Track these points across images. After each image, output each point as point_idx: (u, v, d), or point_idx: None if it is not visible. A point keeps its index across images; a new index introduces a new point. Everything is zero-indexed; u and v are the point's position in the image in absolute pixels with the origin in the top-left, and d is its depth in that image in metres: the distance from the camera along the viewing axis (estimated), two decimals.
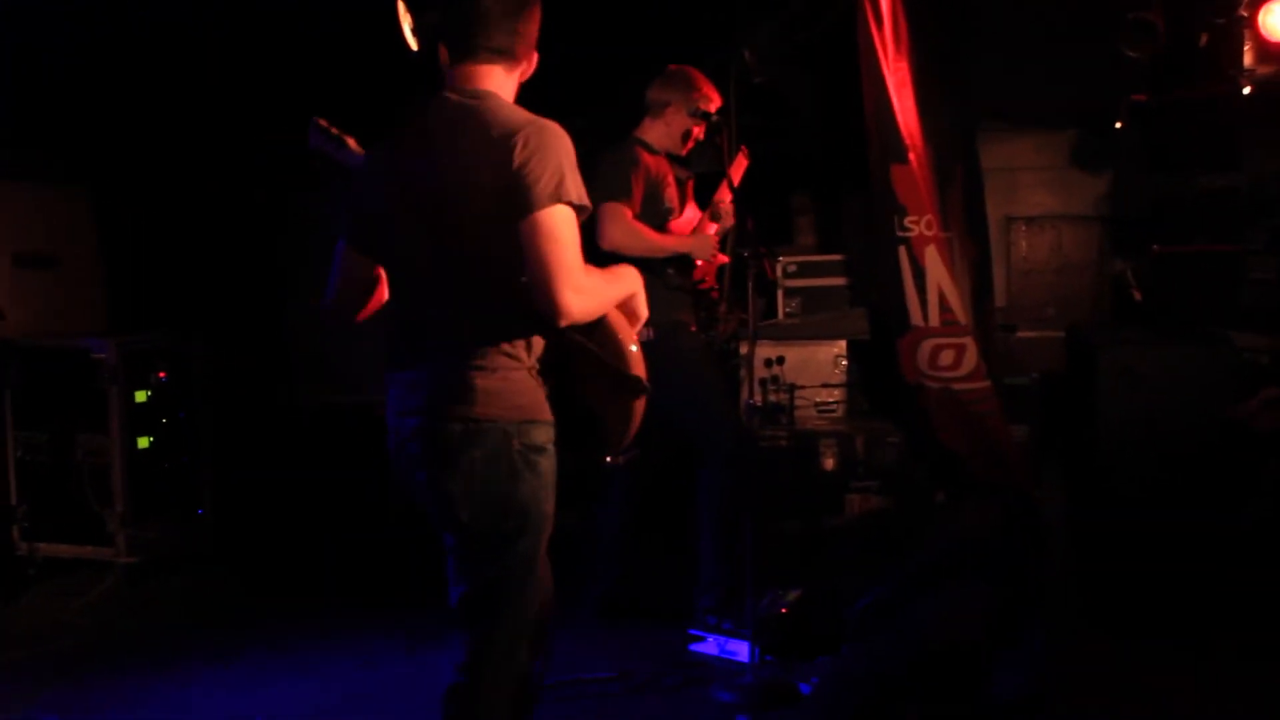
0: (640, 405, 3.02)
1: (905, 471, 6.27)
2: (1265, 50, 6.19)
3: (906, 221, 5.93)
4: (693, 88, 5.20)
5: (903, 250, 5.97)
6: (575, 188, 2.77)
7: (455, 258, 2.82)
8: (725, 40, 6.23)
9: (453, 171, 2.84)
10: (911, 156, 5.91)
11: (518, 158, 2.73)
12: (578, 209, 2.78)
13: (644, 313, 3.18)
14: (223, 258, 6.89)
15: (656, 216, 5.09)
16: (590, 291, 2.78)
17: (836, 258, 7.00)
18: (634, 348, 3.03)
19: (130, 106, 6.55)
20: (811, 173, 7.53)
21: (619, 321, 3.03)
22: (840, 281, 6.93)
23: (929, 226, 5.94)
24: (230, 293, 6.86)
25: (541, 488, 2.87)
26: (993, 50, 6.77)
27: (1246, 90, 6.35)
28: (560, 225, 2.72)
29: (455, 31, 2.96)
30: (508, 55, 2.98)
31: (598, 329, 2.97)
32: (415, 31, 5.35)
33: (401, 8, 5.33)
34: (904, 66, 5.97)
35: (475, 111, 2.87)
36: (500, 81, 2.98)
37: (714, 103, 5.23)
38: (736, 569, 4.87)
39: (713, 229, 5.34)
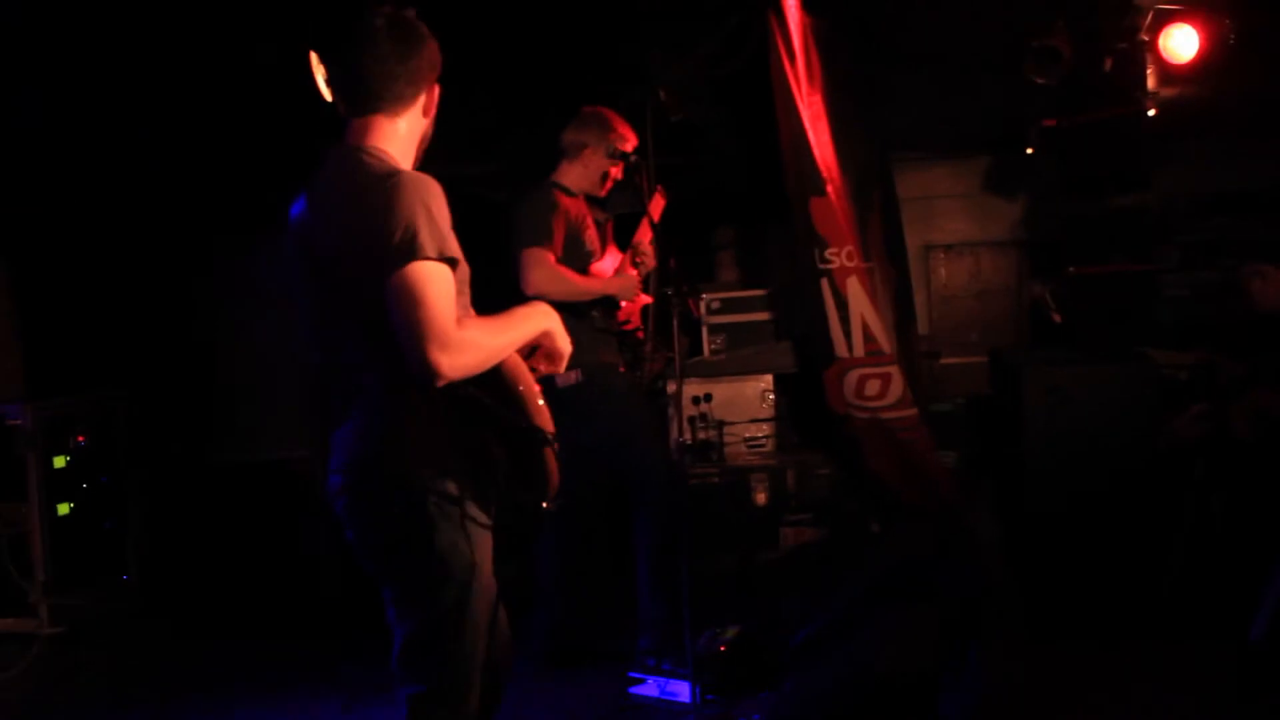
0: (550, 454, 2.93)
1: (838, 502, 6.29)
2: (1167, 72, 6.34)
3: (827, 253, 5.97)
4: (608, 129, 5.18)
5: (825, 282, 6.00)
6: (432, 240, 2.69)
7: (350, 314, 2.81)
8: (640, 79, 6.22)
9: (329, 230, 2.85)
10: (829, 189, 5.94)
11: (372, 216, 2.71)
12: (444, 260, 2.71)
13: (564, 349, 3.14)
14: (141, 314, 6.75)
15: (579, 259, 5.06)
16: (466, 346, 2.70)
17: (760, 292, 6.97)
18: (540, 401, 2.94)
19: (40, 168, 6.41)
20: (732, 207, 7.56)
21: (516, 370, 2.94)
22: (764, 316, 6.90)
23: (850, 257, 5.98)
24: (151, 349, 6.73)
25: (461, 537, 2.84)
26: (903, 81, 6.83)
27: (1151, 112, 6.48)
28: (417, 283, 2.65)
29: (338, 86, 2.97)
30: (389, 104, 2.94)
31: (495, 380, 2.88)
32: (329, 83, 5.36)
33: (314, 59, 5.34)
34: (818, 99, 6.03)
35: (348, 168, 2.88)
36: (386, 131, 2.95)
37: (630, 142, 5.22)
38: (675, 608, 4.84)
39: (634, 270, 5.32)
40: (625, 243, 5.45)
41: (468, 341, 2.70)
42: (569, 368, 3.27)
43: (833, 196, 5.95)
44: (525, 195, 5.07)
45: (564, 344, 3.13)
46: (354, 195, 2.80)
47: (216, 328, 6.62)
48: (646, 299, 5.42)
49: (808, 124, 5.94)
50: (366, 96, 2.92)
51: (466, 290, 2.96)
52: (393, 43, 2.90)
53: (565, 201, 5.09)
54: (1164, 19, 6.20)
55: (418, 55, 2.95)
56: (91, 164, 6.38)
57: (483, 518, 2.89)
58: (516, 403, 2.90)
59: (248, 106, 5.99)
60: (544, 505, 2.95)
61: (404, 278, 2.65)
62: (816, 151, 5.94)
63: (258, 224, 6.31)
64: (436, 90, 3.05)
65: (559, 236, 4.93)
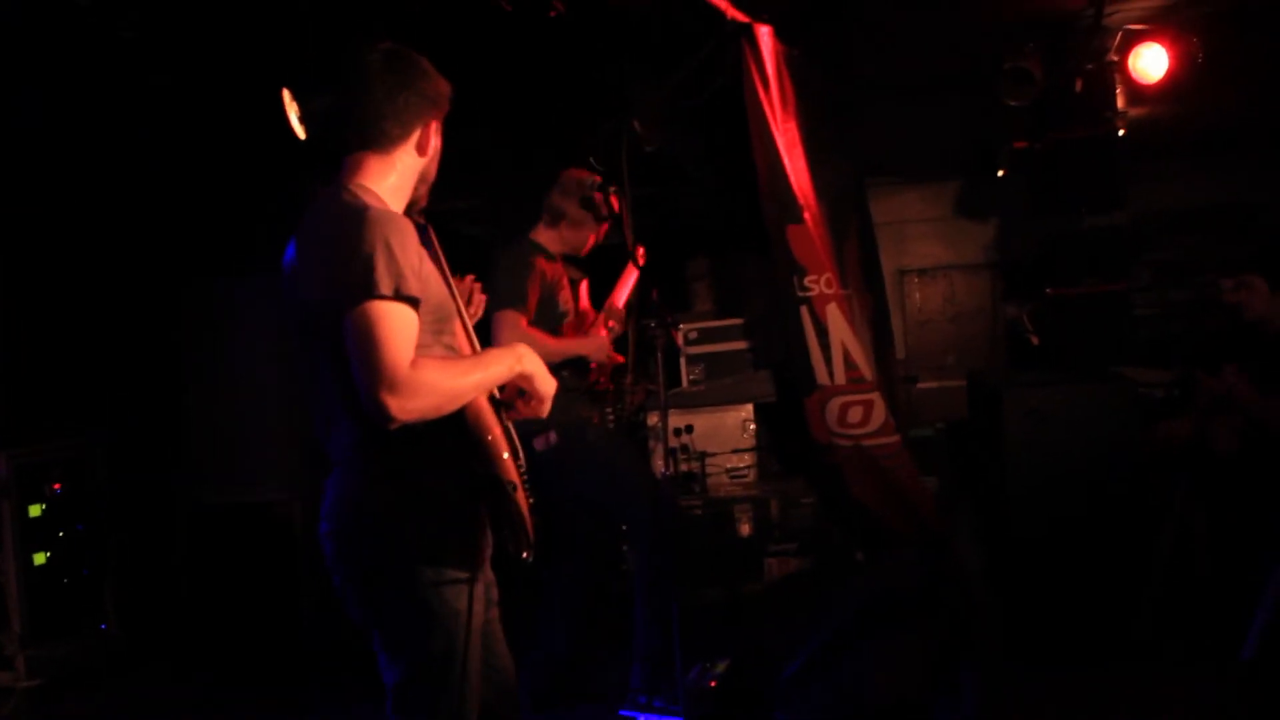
0: (519, 504, 2.86)
1: (822, 531, 6.25)
2: (1136, 92, 6.45)
3: (806, 281, 5.90)
4: (590, 201, 5.18)
5: (804, 310, 5.92)
6: (389, 277, 2.63)
7: (329, 358, 2.75)
8: (616, 109, 6.12)
9: (307, 273, 2.82)
10: (806, 216, 5.89)
11: (333, 254, 2.68)
12: (401, 298, 2.65)
13: (546, 392, 3.05)
14: (118, 357, 6.71)
15: (552, 320, 5.08)
16: (419, 388, 2.62)
17: (736, 321, 6.98)
18: (504, 450, 2.86)
19: (14, 212, 6.33)
20: (706, 237, 7.56)
21: (480, 416, 2.85)
22: (742, 345, 6.92)
23: (828, 285, 5.92)
24: (128, 392, 6.69)
25: (447, 584, 2.80)
26: (874, 105, 6.88)
27: (1121, 131, 6.59)
28: (369, 322, 2.60)
29: (333, 124, 2.98)
30: (377, 142, 2.90)
31: (458, 425, 2.81)
32: (302, 119, 5.33)
33: (287, 96, 5.31)
34: (792, 126, 6.00)
35: (328, 208, 2.83)
36: (376, 169, 2.91)
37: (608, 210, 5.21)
38: (668, 641, 4.83)
39: (605, 332, 5.30)
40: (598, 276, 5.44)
41: (421, 383, 2.63)
42: (542, 430, 3.23)
43: (810, 224, 5.90)
44: (503, 253, 5.08)
45: (545, 386, 3.04)
46: (326, 236, 2.77)
47: (193, 370, 6.55)
48: (618, 359, 5.35)
49: (783, 152, 5.88)
50: (354, 133, 2.90)
51: (449, 327, 2.96)
52: (382, 78, 2.87)
53: (542, 264, 5.08)
54: (1133, 39, 6.28)
55: (409, 91, 2.90)
56: (59, 211, 6.30)
57: (469, 564, 2.84)
58: (479, 450, 2.83)
59: (226, 145, 5.95)
60: (524, 556, 2.88)
61: (357, 316, 2.61)
62: (792, 179, 5.88)
63: (235, 264, 6.36)
64: (435, 127, 3.00)
65: (533, 300, 4.95)
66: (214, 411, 6.44)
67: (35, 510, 6.04)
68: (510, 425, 2.98)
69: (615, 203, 5.21)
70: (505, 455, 2.85)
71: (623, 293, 5.35)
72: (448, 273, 3.14)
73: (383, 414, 2.59)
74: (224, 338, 6.42)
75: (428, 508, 2.80)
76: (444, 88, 3.01)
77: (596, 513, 5.14)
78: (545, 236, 5.22)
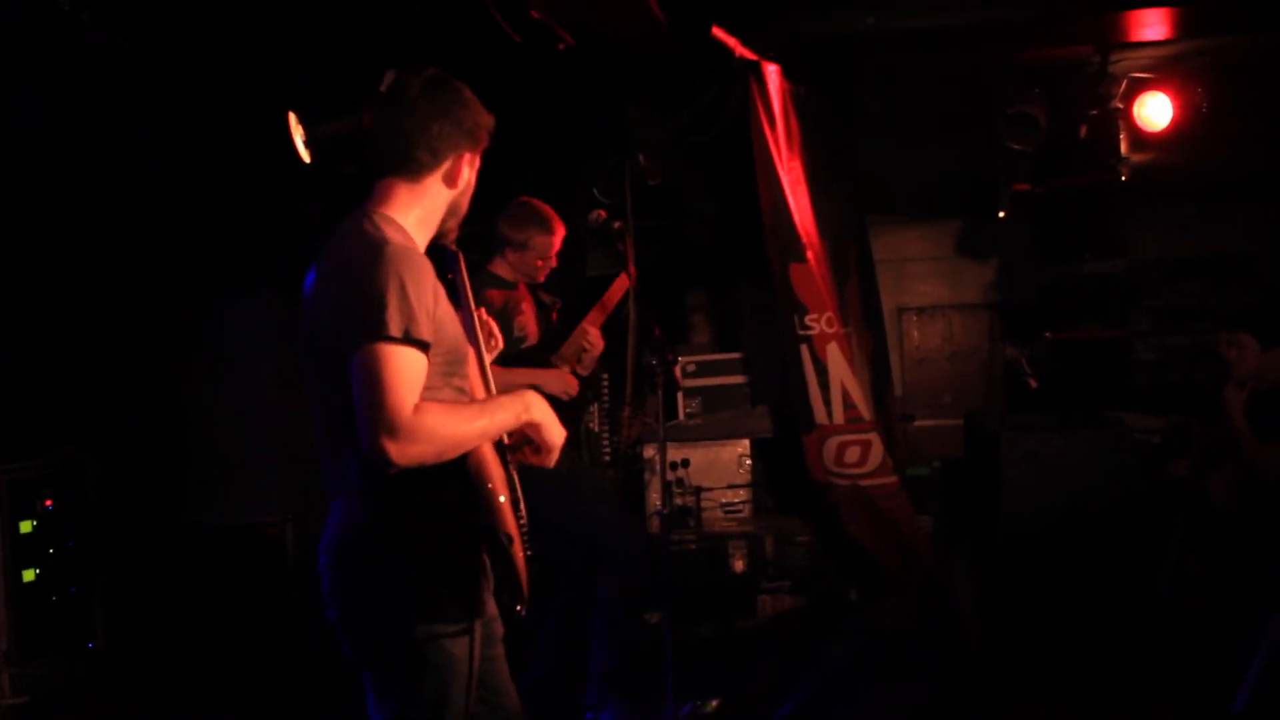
0: (515, 556, 2.78)
1: (817, 570, 6.22)
2: (1140, 139, 6.49)
3: (807, 319, 5.95)
4: (537, 229, 5.17)
5: (805, 349, 5.97)
6: (400, 318, 2.58)
7: (336, 394, 2.69)
8: (620, 143, 6.23)
9: (321, 302, 2.78)
10: (810, 255, 5.93)
11: (346, 289, 2.65)
12: (410, 342, 2.60)
13: (554, 441, 2.97)
14: (111, 374, 6.60)
15: (507, 345, 5.03)
16: (420, 434, 2.57)
17: (735, 355, 6.94)
18: (502, 498, 2.78)
19: (7, 224, 6.24)
20: (705, 270, 7.56)
21: (481, 465, 2.79)
22: (740, 379, 6.88)
23: (829, 324, 5.97)
24: (121, 410, 6.58)
25: (440, 632, 2.75)
26: (878, 144, 6.89)
27: (1124, 178, 6.62)
28: (376, 363, 2.56)
29: (367, 147, 2.92)
30: (404, 169, 2.86)
31: (459, 472, 2.76)
32: (308, 144, 5.30)
33: (293, 120, 5.26)
34: (797, 164, 6.05)
35: (348, 236, 2.78)
36: (403, 198, 2.86)
37: (557, 235, 5.19)
38: (626, 661, 4.92)
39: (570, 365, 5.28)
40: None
41: (422, 429, 2.57)
42: None
43: (813, 263, 5.94)
44: None
45: (554, 435, 2.96)
46: (342, 268, 2.72)
47: (187, 388, 6.47)
48: (574, 390, 5.25)
49: (788, 190, 5.93)
50: (385, 157, 2.86)
51: (461, 370, 2.90)
52: (418, 104, 2.83)
53: (491, 294, 5.04)
54: (1138, 87, 6.35)
55: (444, 120, 2.85)
56: (55, 225, 6.27)
57: (467, 610, 2.79)
58: (476, 499, 2.77)
59: (229, 161, 5.91)
60: (517, 610, 2.83)
61: (363, 356, 2.57)
62: (796, 217, 5.92)
63: (234, 282, 6.34)
64: (469, 159, 2.93)
65: None
66: (208, 430, 6.36)
67: (26, 526, 5.98)
68: (514, 474, 2.93)
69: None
70: (503, 503, 2.78)
71: (599, 316, 5.29)
72: (471, 304, 3.11)
73: (381, 458, 2.55)
74: (220, 356, 6.34)
75: (427, 552, 2.76)
76: (484, 120, 2.94)
77: (572, 541, 5.10)
78: (498, 266, 5.21)
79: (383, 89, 2.90)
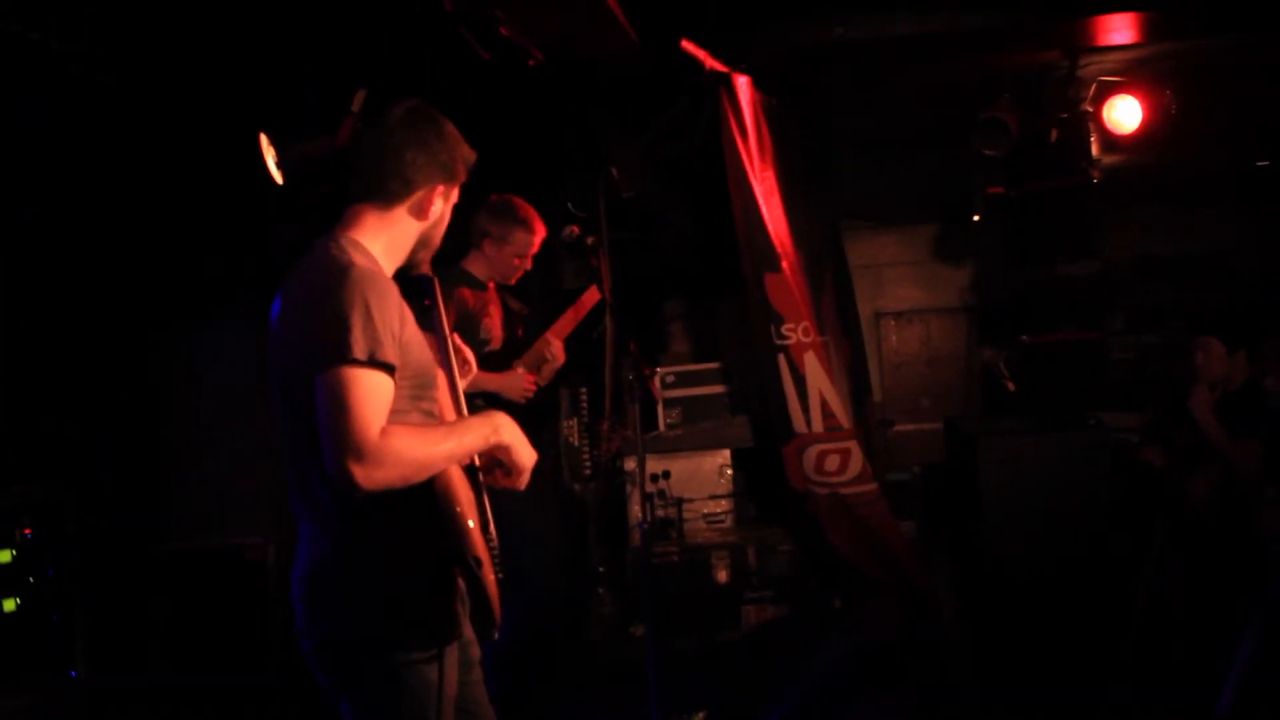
0: (487, 577, 2.74)
1: (800, 579, 6.21)
2: (1111, 141, 6.53)
3: (784, 329, 5.96)
4: (513, 223, 5.09)
5: (782, 358, 5.98)
6: (365, 341, 2.54)
7: (304, 421, 2.64)
8: (593, 156, 6.21)
9: (286, 327, 2.74)
10: (784, 264, 5.94)
11: (310, 312, 2.62)
12: (375, 365, 2.56)
13: (524, 463, 2.93)
14: (88, 400, 6.51)
15: (471, 349, 5.00)
16: (387, 458, 2.53)
17: (713, 366, 6.93)
18: (471, 522, 2.73)
19: None
20: (683, 281, 7.56)
21: (449, 488, 2.74)
22: (719, 389, 6.85)
23: (806, 333, 5.98)
24: (98, 436, 6.49)
25: (415, 658, 2.72)
26: (852, 152, 6.95)
27: (1095, 179, 6.68)
28: (341, 387, 2.52)
29: (342, 171, 2.91)
30: (377, 196, 2.83)
31: (426, 497, 2.71)
32: (280, 165, 5.25)
33: (264, 141, 5.18)
34: (770, 175, 6.06)
35: (314, 260, 2.75)
36: (372, 224, 2.82)
37: (537, 235, 5.14)
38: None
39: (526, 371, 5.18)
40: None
41: (389, 453, 2.54)
42: None
43: (788, 272, 5.96)
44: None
45: (524, 457, 2.92)
46: (307, 291, 2.69)
47: (166, 412, 6.47)
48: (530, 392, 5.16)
49: (761, 200, 5.93)
50: (357, 181, 2.84)
51: (429, 393, 2.86)
52: (395, 132, 2.82)
53: (464, 293, 5.00)
54: (1107, 90, 6.38)
55: (420, 150, 2.82)
56: (35, 254, 6.20)
57: (442, 634, 2.74)
58: (444, 523, 2.71)
59: (198, 189, 5.91)
60: (490, 634, 2.82)
61: (328, 380, 2.53)
62: (770, 227, 5.93)
63: (212, 307, 6.30)
64: (442, 191, 2.90)
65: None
66: (187, 454, 6.34)
67: (5, 556, 5.93)
68: (485, 498, 2.90)
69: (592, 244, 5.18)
70: (472, 527, 2.73)
71: (565, 328, 5.27)
72: (446, 328, 3.08)
73: (348, 483, 2.51)
74: (198, 381, 6.33)
75: (398, 577, 2.72)
76: (462, 154, 2.92)
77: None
78: (473, 263, 5.14)
79: (355, 108, 2.88)
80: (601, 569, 6.29)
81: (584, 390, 6.48)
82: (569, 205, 6.26)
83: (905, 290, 7.81)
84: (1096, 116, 6.41)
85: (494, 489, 2.98)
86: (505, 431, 2.88)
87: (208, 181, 5.79)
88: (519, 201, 5.15)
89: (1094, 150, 6.60)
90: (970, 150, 6.44)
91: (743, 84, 5.96)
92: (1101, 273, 7.07)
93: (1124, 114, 6.30)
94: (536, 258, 5.26)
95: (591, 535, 6.49)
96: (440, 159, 2.87)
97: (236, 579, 6.12)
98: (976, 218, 7.27)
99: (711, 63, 5.79)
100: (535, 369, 5.15)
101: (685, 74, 5.81)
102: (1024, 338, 7.03)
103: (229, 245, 6.25)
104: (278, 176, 5.20)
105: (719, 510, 6.57)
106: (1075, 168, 6.64)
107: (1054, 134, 6.57)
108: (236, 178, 5.27)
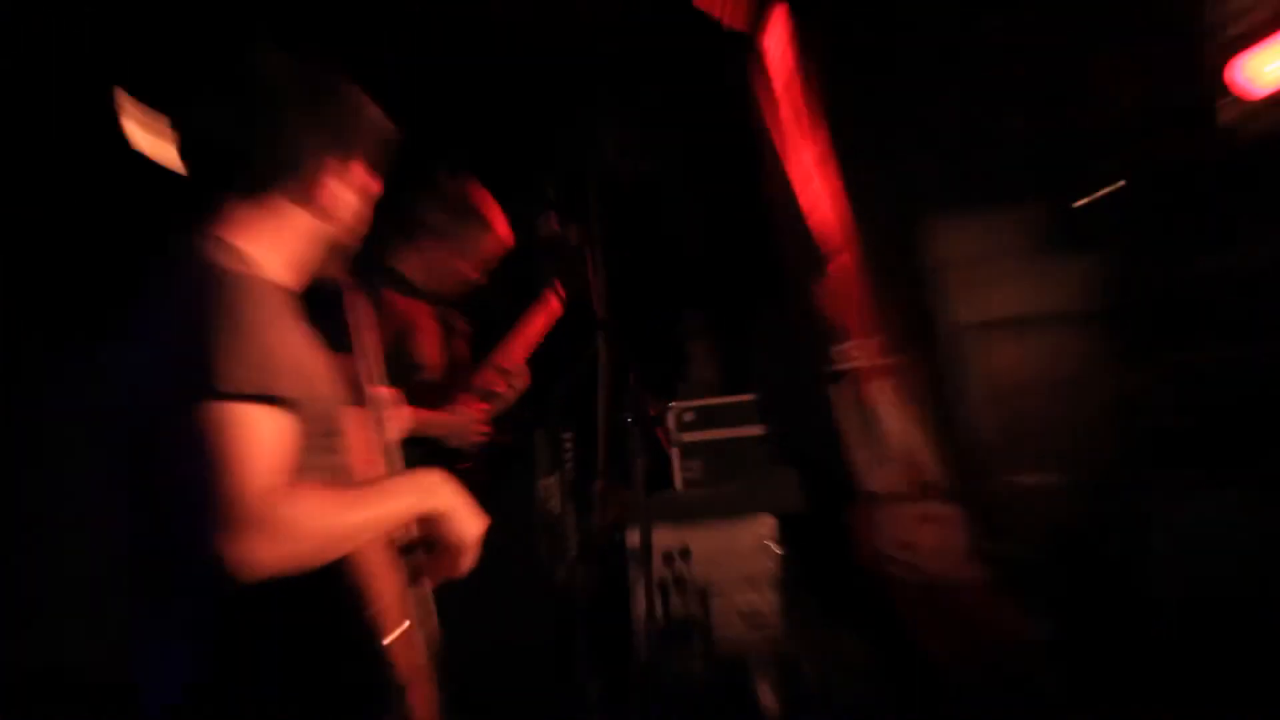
0: (417, 706, 2.53)
1: (878, 705, 5.25)
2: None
3: (844, 350, 5.38)
4: (464, 213, 4.63)
5: (842, 388, 5.39)
6: (242, 368, 2.24)
7: (148, 484, 2.37)
8: (588, 134, 5.69)
9: (126, 361, 2.44)
10: (840, 262, 5.42)
11: (163, 337, 2.34)
12: (259, 399, 2.25)
13: (466, 538, 2.57)
14: None
15: (397, 377, 4.23)
16: (281, 529, 2.15)
17: (747, 398, 5.93)
18: (392, 631, 2.41)
19: None
20: (704, 286, 6.88)
21: (364, 580, 2.39)
22: (755, 430, 5.81)
23: (872, 353, 5.42)
24: None
25: None
26: (929, 118, 6.18)
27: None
28: (210, 431, 2.19)
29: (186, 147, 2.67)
30: (242, 181, 2.53)
31: (333, 582, 2.35)
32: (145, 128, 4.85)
33: (122, 98, 4.75)
34: (817, 147, 5.48)
35: (168, 270, 2.44)
36: (243, 218, 2.51)
37: (497, 239, 4.73)
38: None
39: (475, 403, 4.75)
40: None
41: (280, 522, 2.18)
42: None
43: (847, 273, 5.42)
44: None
45: (466, 530, 2.57)
46: (160, 308, 2.42)
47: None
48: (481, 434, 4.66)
49: (807, 185, 5.42)
50: (215, 162, 2.55)
51: (336, 443, 2.52)
52: (268, 93, 2.52)
53: (392, 298, 4.51)
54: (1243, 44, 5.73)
55: (303, 113, 2.52)
56: None
57: None
58: (350, 631, 2.40)
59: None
60: None
61: (191, 423, 2.21)
62: (820, 215, 5.41)
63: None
64: (335, 169, 2.56)
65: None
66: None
67: None
68: (423, 588, 2.62)
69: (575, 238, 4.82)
70: (394, 638, 2.43)
71: (524, 342, 4.86)
72: (374, 357, 2.84)
73: (224, 563, 2.14)
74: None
75: (295, 698, 2.37)
76: (369, 122, 2.64)
77: None
78: (404, 260, 4.57)
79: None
80: (593, 691, 5.35)
81: (568, 436, 5.58)
82: (548, 191, 5.42)
83: (1008, 293, 6.68)
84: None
85: (432, 576, 2.72)
86: (441, 494, 2.60)
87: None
88: (477, 189, 4.75)
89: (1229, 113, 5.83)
90: (1079, 119, 5.94)
91: (775, 28, 5.48)
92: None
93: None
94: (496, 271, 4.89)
95: (580, 642, 5.50)
96: (331, 126, 2.60)
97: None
98: (1089, 201, 6.40)
99: (730, 19, 5.38)
100: (486, 395, 4.74)
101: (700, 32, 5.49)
102: (1180, 353, 6.05)
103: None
104: (142, 140, 4.83)
105: (762, 604, 5.47)
106: (1207, 136, 5.83)
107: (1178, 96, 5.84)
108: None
